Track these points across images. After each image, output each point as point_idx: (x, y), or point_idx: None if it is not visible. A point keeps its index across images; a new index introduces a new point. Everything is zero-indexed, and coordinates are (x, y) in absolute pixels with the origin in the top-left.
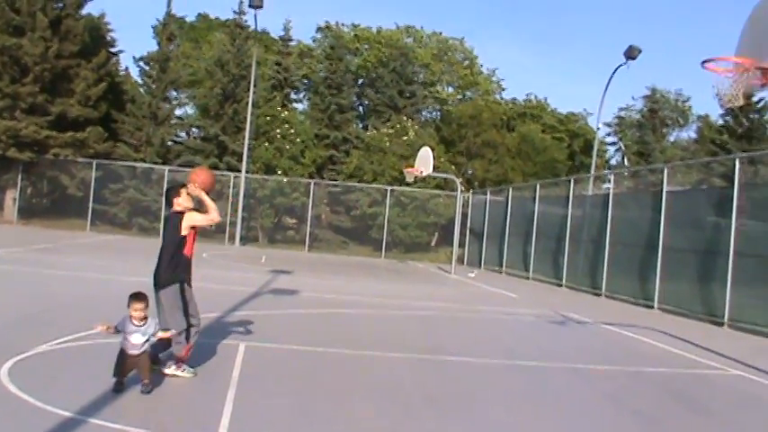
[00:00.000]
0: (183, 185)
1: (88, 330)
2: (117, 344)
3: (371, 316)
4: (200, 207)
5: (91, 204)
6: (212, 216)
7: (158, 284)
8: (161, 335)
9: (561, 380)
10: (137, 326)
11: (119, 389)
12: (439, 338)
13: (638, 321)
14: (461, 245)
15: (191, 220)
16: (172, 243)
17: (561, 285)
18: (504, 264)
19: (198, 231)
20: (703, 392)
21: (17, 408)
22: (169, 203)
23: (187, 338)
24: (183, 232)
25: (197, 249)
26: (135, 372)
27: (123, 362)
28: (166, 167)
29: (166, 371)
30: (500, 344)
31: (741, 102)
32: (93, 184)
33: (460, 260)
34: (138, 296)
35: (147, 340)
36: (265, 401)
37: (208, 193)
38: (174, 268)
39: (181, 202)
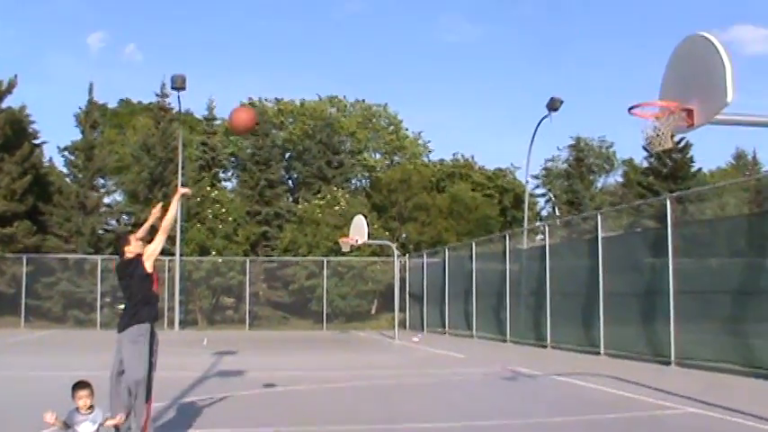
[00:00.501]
0: (132, 232)
1: None
2: None
3: (322, 390)
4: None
5: (24, 300)
6: (162, 238)
7: (123, 326)
8: (109, 423)
9: None
10: (84, 414)
11: None
12: (393, 407)
13: (587, 369)
14: (402, 309)
15: (150, 252)
16: (140, 286)
17: (506, 341)
18: (447, 325)
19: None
20: None
21: None
22: (120, 253)
23: (148, 394)
24: (149, 270)
25: None
26: None
27: None
28: (99, 257)
29: None
30: (455, 406)
31: (670, 144)
32: (24, 279)
33: (403, 325)
34: (81, 384)
35: (100, 425)
36: None
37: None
38: (140, 308)
39: (132, 249)
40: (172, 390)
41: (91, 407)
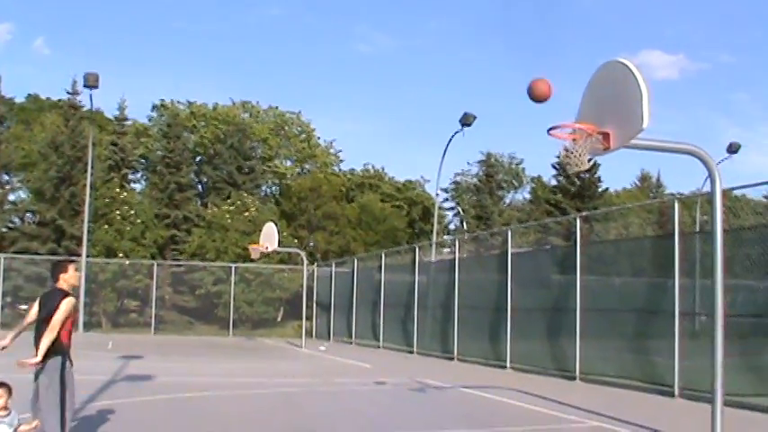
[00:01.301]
0: (72, 261)
1: None
2: None
3: (232, 397)
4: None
5: None
6: (54, 330)
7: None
8: (23, 428)
9: None
10: (1, 418)
11: None
12: (303, 416)
13: (493, 382)
14: (309, 318)
15: (64, 311)
16: (47, 318)
17: (413, 352)
18: (353, 334)
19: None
20: None
21: None
22: (54, 278)
23: (63, 428)
24: (59, 316)
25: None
26: None
27: None
28: (2, 255)
29: None
30: (363, 416)
31: (587, 166)
32: None
33: (309, 333)
34: (2, 385)
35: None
36: None
37: None
38: (55, 340)
39: (68, 278)
40: (82, 392)
41: (6, 408)
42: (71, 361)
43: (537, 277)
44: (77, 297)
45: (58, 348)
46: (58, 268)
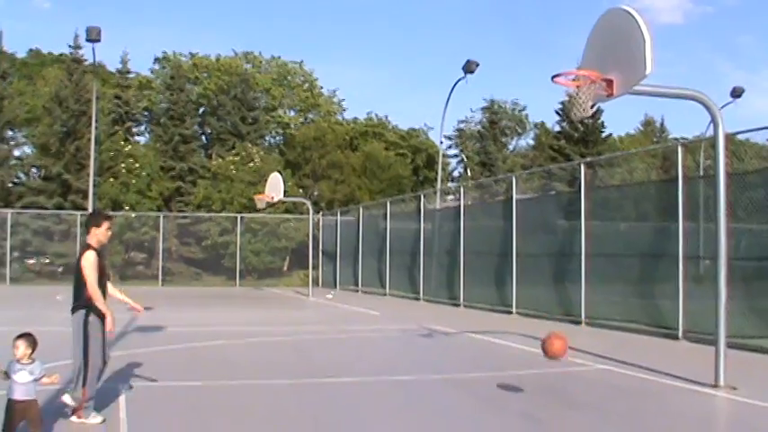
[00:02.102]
0: (110, 217)
1: None
2: None
3: (242, 345)
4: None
5: None
6: (101, 305)
7: (71, 310)
8: (46, 380)
9: (441, 390)
10: (22, 365)
11: None
12: (314, 361)
13: (500, 327)
14: (315, 267)
15: (85, 266)
16: (78, 272)
17: (419, 299)
18: (360, 283)
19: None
20: (575, 388)
21: None
22: (87, 229)
23: (84, 381)
24: (87, 276)
25: (47, 293)
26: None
27: (11, 414)
28: (9, 210)
29: (73, 419)
30: (373, 361)
31: (590, 113)
32: None
33: (315, 282)
34: (23, 335)
35: (35, 381)
36: None
37: None
38: (79, 295)
39: (98, 233)
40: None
41: (31, 359)
42: (99, 314)
43: (542, 223)
44: (97, 250)
45: (83, 302)
46: (90, 220)
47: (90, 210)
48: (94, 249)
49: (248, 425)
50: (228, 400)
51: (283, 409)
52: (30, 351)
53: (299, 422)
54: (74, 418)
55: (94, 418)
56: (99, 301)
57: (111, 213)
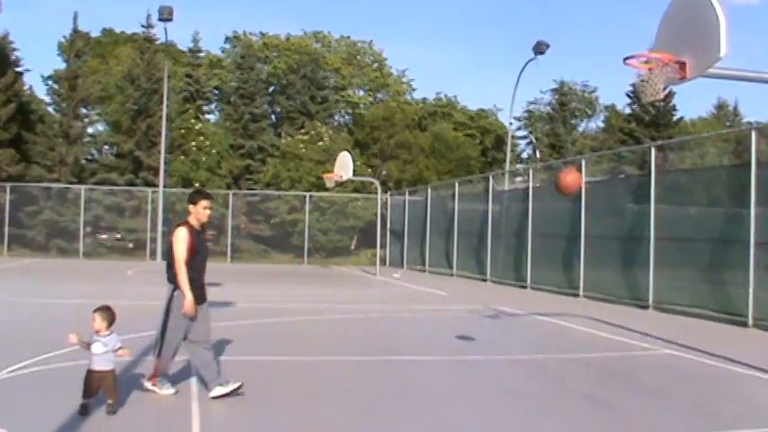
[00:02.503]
0: (208, 196)
1: (37, 357)
2: (70, 369)
3: (311, 322)
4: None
5: (7, 228)
6: (184, 284)
7: (170, 282)
8: (120, 353)
9: (506, 371)
10: (98, 337)
11: (84, 411)
12: (382, 339)
13: (566, 310)
14: (383, 246)
15: (179, 248)
16: (169, 247)
17: (486, 280)
18: (427, 263)
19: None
20: (641, 372)
21: None
22: (188, 207)
23: (159, 352)
24: (176, 253)
25: (118, 267)
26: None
27: (90, 382)
28: (83, 186)
29: (146, 384)
30: (440, 341)
31: (662, 96)
32: (7, 207)
33: (383, 261)
34: (101, 308)
35: (111, 352)
36: (229, 412)
37: None
38: (170, 272)
39: (196, 209)
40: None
41: (108, 331)
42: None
43: (610, 206)
44: (192, 228)
45: (172, 278)
46: (189, 198)
47: (196, 189)
48: (189, 227)
49: (314, 400)
50: (295, 376)
51: (348, 385)
52: (106, 324)
53: (363, 398)
54: (148, 384)
55: (167, 390)
56: (183, 281)
57: (210, 192)
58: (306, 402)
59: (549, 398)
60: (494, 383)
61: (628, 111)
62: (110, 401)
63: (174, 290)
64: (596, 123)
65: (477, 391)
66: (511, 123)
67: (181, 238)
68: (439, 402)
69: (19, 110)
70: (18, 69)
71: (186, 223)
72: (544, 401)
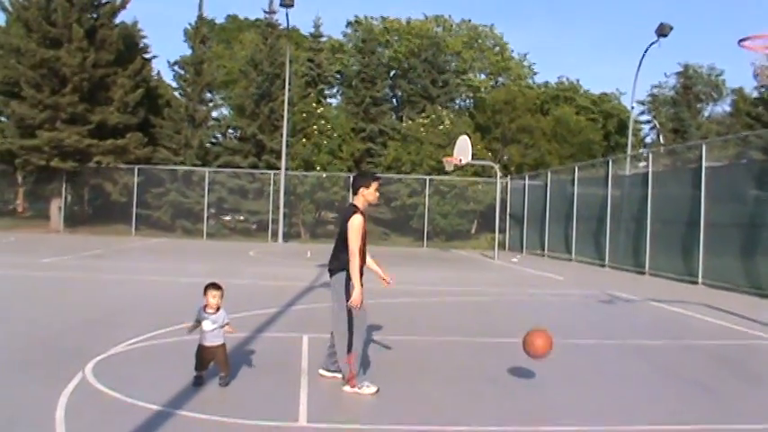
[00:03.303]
0: (377, 178)
1: (158, 330)
2: (186, 342)
3: (427, 304)
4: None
5: (134, 209)
6: (355, 276)
7: (330, 270)
8: (227, 329)
9: (617, 356)
10: (208, 314)
11: (198, 383)
12: (494, 322)
13: (684, 297)
14: (502, 230)
15: (353, 237)
16: (342, 233)
17: (604, 265)
18: (545, 247)
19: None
20: (756, 362)
21: (108, 403)
22: (354, 190)
23: (349, 348)
24: (351, 240)
25: (241, 248)
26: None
27: (201, 355)
28: (207, 169)
29: (346, 389)
30: (554, 324)
31: None
32: (135, 189)
33: (502, 246)
34: (213, 285)
35: (220, 328)
36: (339, 387)
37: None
38: (340, 257)
39: (366, 194)
40: (281, 297)
41: (218, 307)
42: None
43: (733, 192)
44: (363, 213)
45: (345, 264)
46: (359, 181)
47: (364, 172)
48: (361, 213)
49: (426, 377)
50: (410, 355)
51: (463, 365)
52: (216, 301)
53: (477, 379)
54: (347, 388)
55: (368, 388)
56: (355, 271)
57: (378, 174)
58: (415, 380)
59: (657, 383)
60: (602, 367)
61: (755, 94)
62: (222, 374)
63: (348, 278)
64: (722, 107)
65: (584, 375)
66: (633, 107)
67: (357, 227)
68: (544, 384)
69: (147, 95)
70: (146, 56)
71: (358, 209)
72: (652, 386)
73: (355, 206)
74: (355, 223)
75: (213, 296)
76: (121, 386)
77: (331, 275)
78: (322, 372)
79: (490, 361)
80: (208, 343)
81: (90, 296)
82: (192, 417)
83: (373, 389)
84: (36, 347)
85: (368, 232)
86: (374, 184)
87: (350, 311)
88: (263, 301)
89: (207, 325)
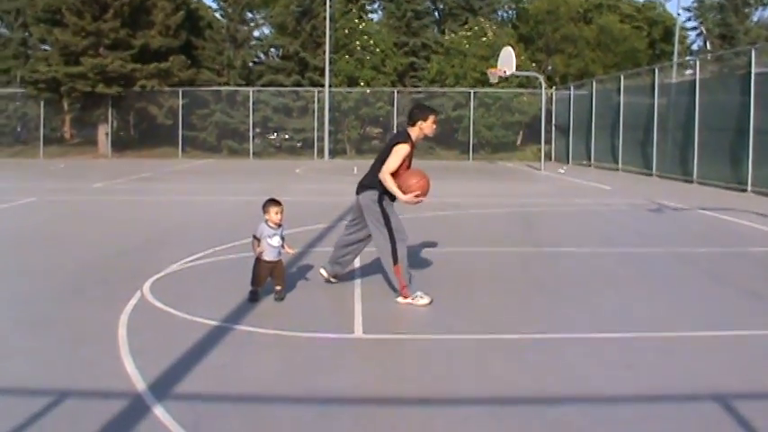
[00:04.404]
0: (435, 111)
1: (211, 248)
2: (240, 260)
3: (475, 215)
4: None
5: (180, 131)
6: (394, 191)
7: (360, 188)
8: (287, 249)
9: (665, 263)
10: (274, 229)
11: (254, 298)
12: (542, 232)
13: (733, 205)
14: (548, 142)
15: (393, 160)
16: (383, 154)
17: (651, 175)
18: (592, 157)
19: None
20: None
21: (168, 320)
22: (410, 122)
23: (395, 259)
24: (389, 162)
25: (287, 166)
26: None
27: (259, 271)
28: (251, 89)
29: (399, 300)
30: (601, 233)
31: None
32: (180, 111)
33: (548, 157)
34: (274, 201)
35: (281, 245)
36: (390, 298)
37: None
38: (371, 177)
39: (424, 126)
40: (330, 213)
41: (280, 223)
42: (391, 199)
43: None
44: (414, 144)
45: (374, 184)
46: (418, 114)
47: (424, 106)
48: (412, 144)
49: (476, 287)
50: (458, 265)
51: (509, 274)
52: (281, 216)
53: (527, 288)
54: (400, 299)
55: (422, 299)
56: (392, 187)
57: (436, 110)
58: (464, 291)
59: (705, 289)
60: (650, 274)
61: None
62: (278, 288)
63: (380, 194)
64: None
65: (633, 283)
66: (679, 14)
67: (402, 153)
68: (593, 292)
69: (188, 17)
70: None
71: (410, 139)
72: (700, 293)
73: (408, 135)
74: (401, 150)
75: (276, 212)
76: (179, 303)
77: (359, 193)
78: (322, 271)
79: (539, 271)
80: (268, 257)
81: (143, 218)
82: (251, 331)
83: (427, 299)
84: (95, 269)
85: (411, 159)
86: (432, 117)
87: (389, 224)
88: (313, 217)
89: (275, 240)
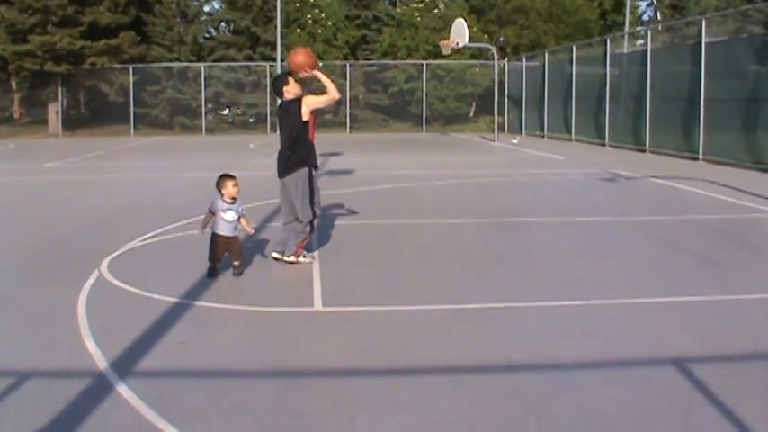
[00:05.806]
0: (290, 73)
1: (167, 225)
2: (196, 236)
3: (429, 187)
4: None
5: (132, 109)
6: (332, 95)
7: (283, 171)
8: (244, 223)
9: (620, 231)
10: (229, 204)
11: (212, 274)
12: (497, 202)
13: (685, 173)
14: (501, 113)
15: (311, 103)
16: (294, 129)
17: (604, 145)
18: (545, 128)
19: (315, 117)
20: (759, 234)
21: (127, 298)
22: (279, 93)
23: (311, 228)
24: (305, 117)
25: (240, 141)
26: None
27: (216, 246)
28: (202, 64)
29: (286, 259)
30: (556, 203)
31: None
32: (131, 88)
33: (501, 128)
34: (230, 176)
35: (238, 219)
36: (350, 272)
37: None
38: (298, 153)
39: (290, 89)
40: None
41: (235, 198)
42: (317, 167)
43: (732, 68)
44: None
45: (303, 156)
46: (278, 83)
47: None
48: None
49: (433, 258)
50: (414, 237)
51: (466, 245)
52: (236, 190)
53: (481, 257)
54: (291, 258)
55: (305, 258)
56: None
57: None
58: (422, 262)
59: (660, 257)
60: (606, 243)
61: None
62: (236, 263)
63: (310, 172)
64: None
65: (589, 251)
66: None
67: (313, 97)
68: (550, 260)
69: None
70: None
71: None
72: (654, 260)
73: (295, 97)
74: (310, 97)
75: (233, 184)
76: (138, 281)
77: (289, 173)
78: (275, 254)
79: (497, 241)
80: (224, 233)
81: (97, 196)
82: (210, 306)
83: (309, 259)
84: (51, 249)
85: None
86: (289, 78)
87: (311, 200)
88: (268, 192)
89: (230, 215)
